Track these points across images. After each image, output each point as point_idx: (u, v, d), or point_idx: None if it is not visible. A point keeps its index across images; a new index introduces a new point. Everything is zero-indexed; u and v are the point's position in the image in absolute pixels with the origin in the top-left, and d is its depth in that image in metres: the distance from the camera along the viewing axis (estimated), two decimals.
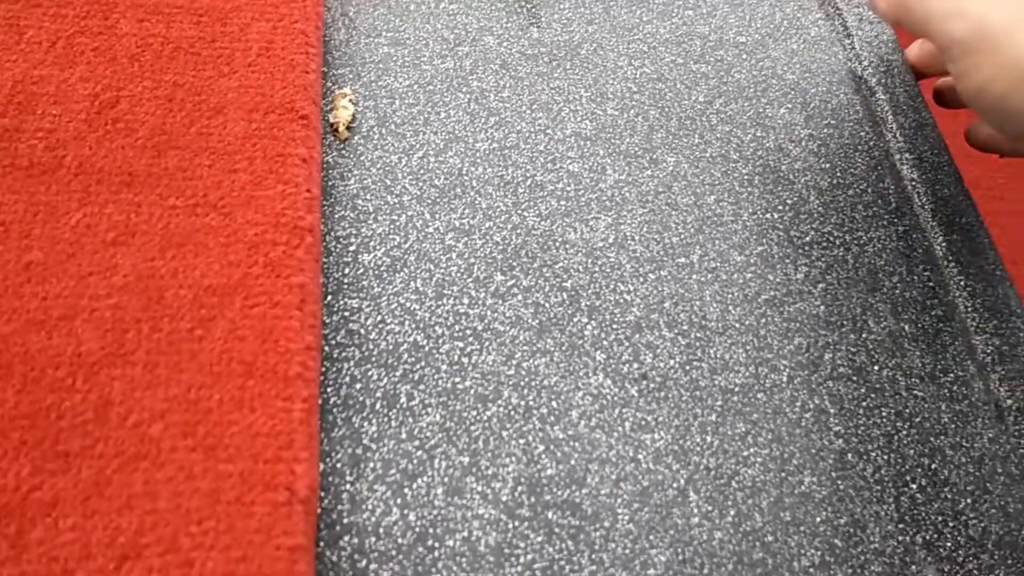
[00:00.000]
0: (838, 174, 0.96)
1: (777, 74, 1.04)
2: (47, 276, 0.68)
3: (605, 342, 0.80)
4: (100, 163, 0.74)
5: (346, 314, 0.77)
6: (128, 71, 0.80)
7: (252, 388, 0.66)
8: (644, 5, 1.06)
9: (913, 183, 0.98)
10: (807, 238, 0.91)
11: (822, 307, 0.87)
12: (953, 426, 0.83)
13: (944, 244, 0.94)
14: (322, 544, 0.66)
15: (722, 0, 1.09)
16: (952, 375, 0.86)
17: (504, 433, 0.74)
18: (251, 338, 0.69)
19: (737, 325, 0.84)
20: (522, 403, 0.76)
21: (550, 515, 0.71)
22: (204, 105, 0.79)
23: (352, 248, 0.80)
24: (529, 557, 0.69)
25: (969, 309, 0.90)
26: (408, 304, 0.78)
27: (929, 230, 0.95)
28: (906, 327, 0.87)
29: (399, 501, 0.69)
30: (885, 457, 0.80)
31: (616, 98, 0.97)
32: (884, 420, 0.81)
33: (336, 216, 0.82)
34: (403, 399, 0.74)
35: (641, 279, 0.84)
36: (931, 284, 0.91)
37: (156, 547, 0.58)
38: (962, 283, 0.91)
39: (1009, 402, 0.85)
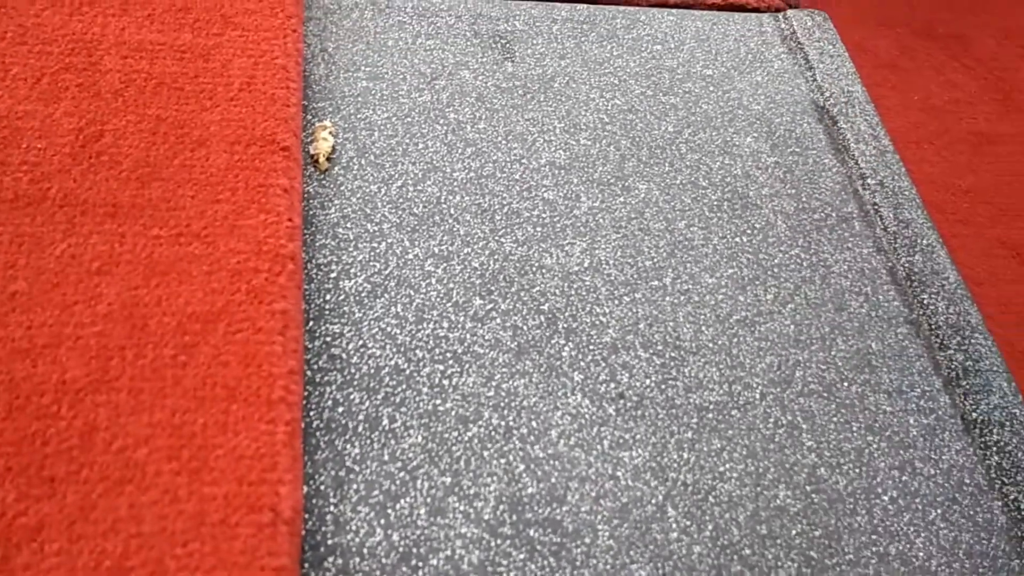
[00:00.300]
0: (803, 199, 1.00)
1: (743, 105, 1.07)
2: (32, 305, 0.69)
3: (582, 363, 0.82)
4: (84, 195, 0.75)
5: (328, 339, 0.78)
6: (112, 106, 0.81)
7: (236, 412, 0.67)
8: (614, 40, 1.09)
9: (875, 207, 1.01)
10: (775, 260, 0.94)
11: (792, 326, 0.89)
12: (921, 439, 0.85)
13: (907, 264, 0.97)
14: (307, 565, 0.67)
15: (689, 35, 1.13)
16: (919, 390, 0.88)
17: (485, 453, 0.75)
18: (234, 363, 0.70)
19: (710, 345, 0.86)
20: (502, 423, 0.77)
21: (532, 533, 0.72)
22: (187, 138, 0.81)
23: (333, 275, 0.82)
24: (512, 574, 0.70)
25: (933, 326, 0.93)
26: (389, 329, 0.80)
27: (892, 252, 0.98)
28: (873, 344, 0.90)
29: (383, 522, 0.70)
30: (857, 470, 0.82)
31: (589, 128, 1.00)
32: (855, 435, 0.84)
33: (317, 244, 0.83)
34: (385, 421, 0.75)
35: (616, 302, 0.87)
36: (896, 303, 0.94)
37: (142, 570, 0.59)
38: (925, 301, 0.94)
39: (975, 415, 0.87)
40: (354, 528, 0.69)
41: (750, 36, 1.16)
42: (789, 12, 1.19)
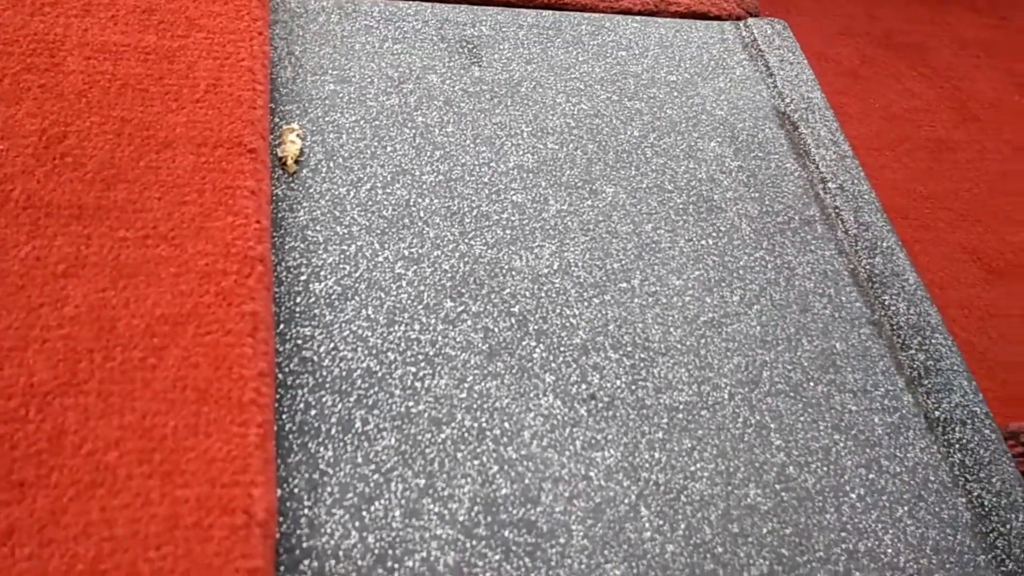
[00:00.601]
0: (767, 202, 1.01)
1: (707, 110, 1.09)
2: None
3: (554, 364, 0.82)
4: (48, 196, 0.74)
5: (299, 342, 0.77)
6: (75, 107, 0.80)
7: (207, 414, 0.67)
8: (580, 46, 1.10)
9: (837, 210, 1.03)
10: (741, 263, 0.95)
11: (758, 327, 0.90)
12: (887, 437, 0.87)
13: (868, 266, 0.99)
14: (282, 568, 0.66)
15: (653, 41, 1.14)
16: (883, 389, 0.90)
17: (459, 455, 0.75)
18: (204, 365, 0.69)
19: (679, 346, 0.87)
20: (475, 425, 0.77)
21: (507, 534, 0.72)
22: (153, 140, 0.80)
23: (303, 277, 0.81)
24: (488, 575, 0.70)
25: (894, 327, 0.95)
26: (360, 331, 0.79)
27: (853, 254, 1.00)
28: (837, 345, 0.91)
29: (357, 524, 0.69)
30: (825, 468, 0.83)
31: (556, 133, 1.00)
32: (821, 433, 0.85)
33: (287, 247, 0.83)
34: (358, 424, 0.74)
35: (586, 303, 0.87)
36: (858, 304, 0.96)
37: (115, 573, 0.58)
38: (886, 302, 0.96)
39: (937, 413, 0.89)
40: (329, 531, 0.69)
41: (712, 43, 1.17)
42: (750, 20, 1.21)
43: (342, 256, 0.84)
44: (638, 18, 1.16)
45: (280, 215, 0.84)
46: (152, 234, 0.75)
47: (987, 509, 0.84)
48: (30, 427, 0.62)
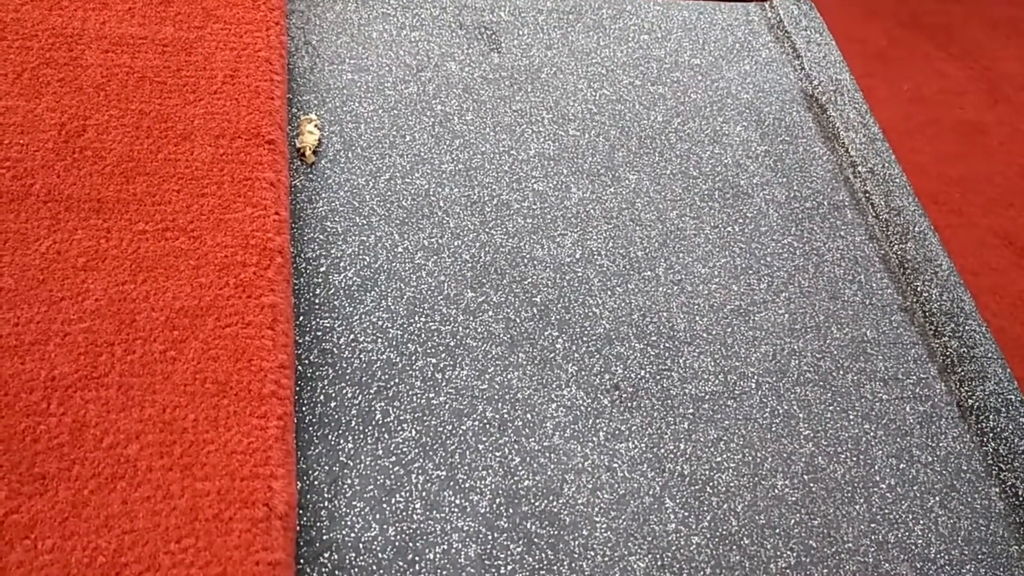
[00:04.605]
0: (795, 187, 0.99)
1: (732, 94, 1.07)
2: (18, 302, 0.67)
3: (576, 354, 0.81)
4: (68, 190, 0.74)
5: (319, 333, 0.77)
6: (94, 100, 0.80)
7: (227, 407, 0.66)
8: (601, 30, 1.09)
9: (867, 194, 1.01)
10: (768, 249, 0.93)
11: (786, 315, 0.88)
12: (918, 427, 0.85)
13: (899, 252, 0.97)
14: (303, 561, 0.65)
15: (676, 25, 1.12)
16: (915, 377, 0.88)
17: (480, 446, 0.74)
18: (224, 358, 0.68)
19: (704, 335, 0.85)
20: (497, 416, 0.76)
21: (529, 526, 0.71)
22: (171, 132, 0.80)
23: (323, 269, 0.81)
24: (510, 568, 0.69)
25: (927, 314, 0.93)
26: (380, 322, 0.79)
27: (884, 239, 0.98)
28: (868, 332, 0.90)
29: (378, 516, 0.69)
30: (854, 459, 0.81)
31: (577, 119, 0.99)
32: (851, 423, 0.83)
33: (306, 238, 0.82)
34: (378, 416, 0.74)
35: (609, 292, 0.86)
36: (889, 291, 0.93)
37: (136, 566, 0.58)
38: (918, 289, 0.94)
39: (971, 402, 0.87)
40: (349, 523, 0.68)
41: (737, 25, 1.15)
42: (775, 1, 1.19)
43: (361, 247, 0.83)
44: (661, 1, 1.14)
45: (299, 206, 0.84)
46: (171, 227, 0.74)
47: (1021, 499, 0.82)
48: (52, 420, 0.62)
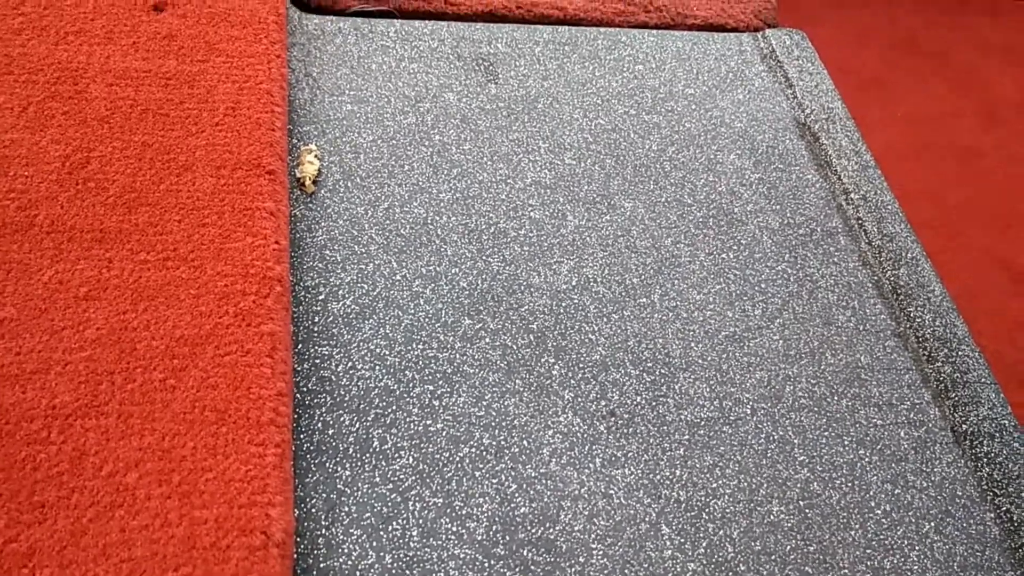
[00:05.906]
0: (788, 215, 1.00)
1: (725, 123, 1.08)
2: (20, 332, 0.68)
3: (572, 381, 0.82)
4: (71, 221, 0.75)
5: (317, 361, 0.78)
6: (98, 133, 0.81)
7: (225, 435, 0.67)
8: (596, 61, 1.10)
9: (859, 221, 1.02)
10: (762, 276, 0.94)
11: (780, 341, 0.89)
12: (913, 452, 0.85)
13: (892, 278, 0.98)
14: None
15: (670, 55, 1.14)
16: (908, 403, 0.88)
17: (477, 473, 0.75)
18: (223, 386, 0.69)
19: (700, 361, 0.86)
20: (493, 443, 0.77)
21: (525, 553, 0.72)
22: (173, 163, 0.81)
23: (321, 297, 0.82)
24: None
25: (920, 339, 0.94)
26: (378, 350, 0.80)
27: (877, 265, 0.99)
28: (862, 358, 0.90)
29: (375, 544, 0.70)
30: (849, 484, 0.82)
31: (573, 148, 1.00)
32: (846, 448, 0.84)
33: (305, 266, 0.83)
34: (376, 443, 0.75)
35: (605, 319, 0.87)
36: (883, 316, 0.94)
37: None
38: (912, 314, 0.95)
39: (964, 426, 0.88)
40: (346, 551, 0.69)
41: (730, 55, 1.17)
42: (768, 32, 1.20)
43: (360, 275, 0.84)
44: (655, 32, 1.16)
45: (298, 235, 0.85)
46: (172, 256, 0.75)
47: (1016, 524, 0.82)
48: (52, 448, 0.63)
